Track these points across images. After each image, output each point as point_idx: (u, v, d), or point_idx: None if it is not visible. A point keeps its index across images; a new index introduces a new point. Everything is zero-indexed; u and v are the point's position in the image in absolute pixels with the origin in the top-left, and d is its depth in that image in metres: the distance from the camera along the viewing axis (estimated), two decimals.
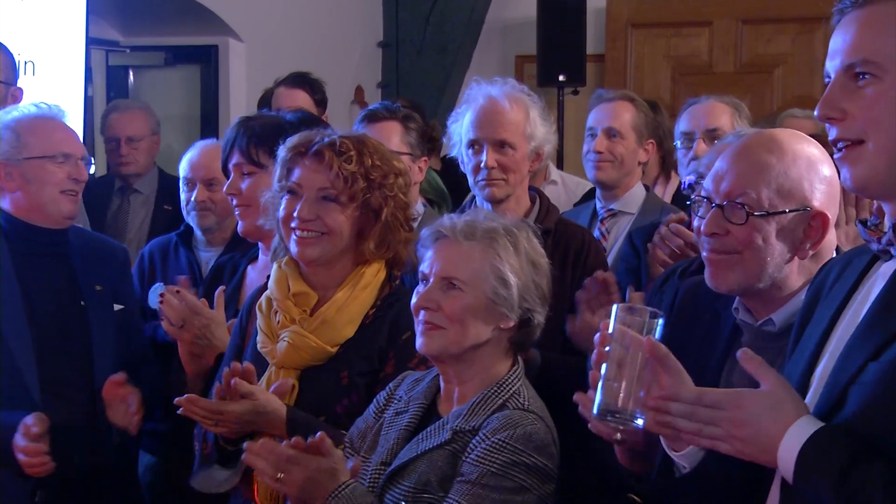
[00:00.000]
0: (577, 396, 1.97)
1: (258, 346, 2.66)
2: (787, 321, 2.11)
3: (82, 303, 3.14)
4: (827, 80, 1.68)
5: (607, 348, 1.82)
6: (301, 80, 4.93)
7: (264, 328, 2.65)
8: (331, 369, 2.58)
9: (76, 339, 3.13)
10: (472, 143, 3.17)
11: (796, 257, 2.10)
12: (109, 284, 3.25)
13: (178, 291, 3.06)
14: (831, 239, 2.16)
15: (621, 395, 1.79)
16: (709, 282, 2.15)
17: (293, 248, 2.60)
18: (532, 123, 3.16)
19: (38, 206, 3.13)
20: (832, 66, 1.66)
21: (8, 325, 3.03)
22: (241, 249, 3.43)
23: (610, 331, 1.83)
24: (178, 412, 2.48)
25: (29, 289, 3.10)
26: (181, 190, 3.92)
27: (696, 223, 2.19)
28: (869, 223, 1.70)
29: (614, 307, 1.85)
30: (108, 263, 3.29)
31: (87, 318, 3.15)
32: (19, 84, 4.06)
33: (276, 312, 2.64)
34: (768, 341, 2.13)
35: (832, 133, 1.66)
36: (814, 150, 2.12)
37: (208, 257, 3.77)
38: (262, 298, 2.70)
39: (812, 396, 1.69)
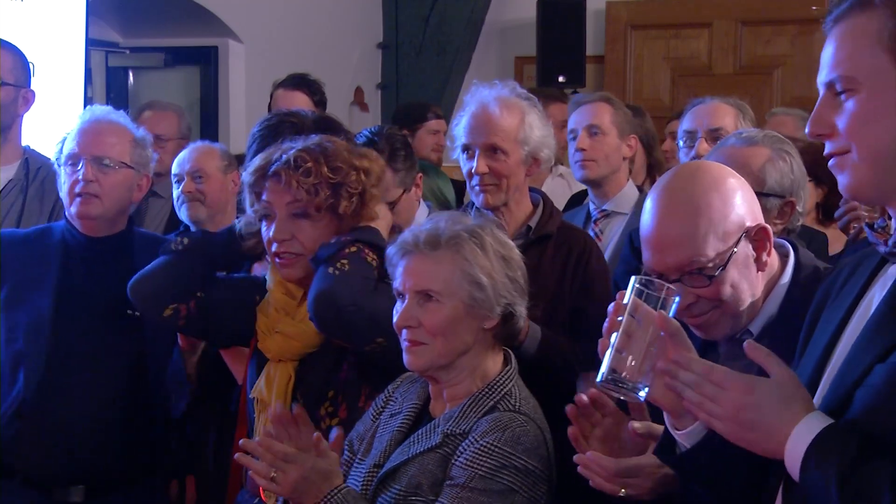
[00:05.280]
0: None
1: (258, 344, 2.69)
2: (761, 325, 2.15)
3: (134, 312, 2.92)
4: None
5: (620, 318, 1.82)
6: (300, 82, 4.91)
7: (262, 327, 2.67)
8: (324, 350, 2.60)
9: (125, 348, 3.09)
10: (465, 149, 3.15)
11: (759, 272, 2.14)
12: None
13: None
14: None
15: (628, 365, 1.79)
16: (703, 337, 2.18)
17: (279, 271, 2.62)
18: (527, 128, 3.11)
19: (68, 213, 3.13)
20: (819, 82, 1.70)
21: (53, 337, 3.02)
22: None
23: (625, 301, 1.83)
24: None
25: (77, 299, 3.07)
26: (173, 188, 4.05)
27: None
28: (876, 226, 1.71)
29: (632, 279, 1.85)
30: None
31: (141, 326, 3.04)
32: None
33: (276, 311, 2.67)
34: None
35: (826, 148, 1.69)
36: (718, 183, 2.12)
37: None
38: (263, 300, 2.72)
39: (820, 397, 1.70)
